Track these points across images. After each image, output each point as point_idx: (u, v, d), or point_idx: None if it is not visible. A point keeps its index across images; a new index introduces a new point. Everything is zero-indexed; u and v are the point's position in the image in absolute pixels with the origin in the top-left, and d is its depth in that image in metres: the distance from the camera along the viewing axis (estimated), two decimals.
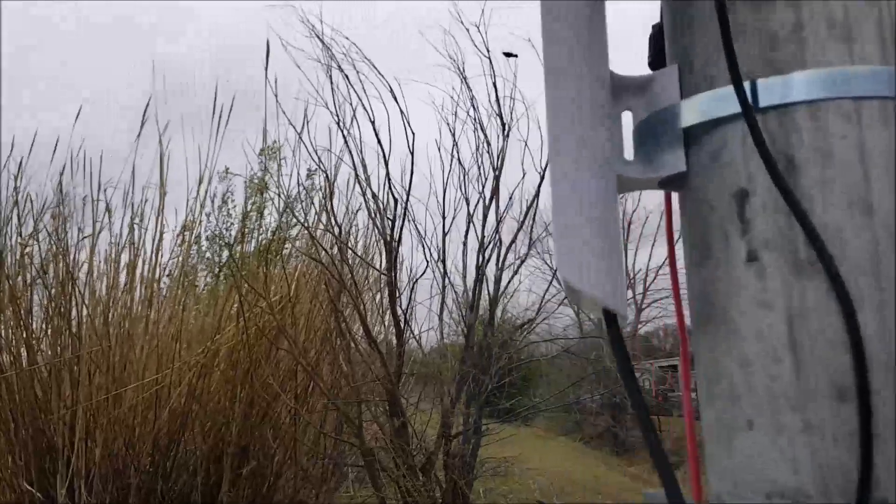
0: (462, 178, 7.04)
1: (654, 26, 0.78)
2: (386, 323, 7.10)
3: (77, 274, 5.35)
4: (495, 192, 7.07)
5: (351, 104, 6.50)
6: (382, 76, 6.56)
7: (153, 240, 5.93)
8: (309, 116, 6.57)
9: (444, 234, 7.00)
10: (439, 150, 7.00)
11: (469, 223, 7.12)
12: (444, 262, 7.03)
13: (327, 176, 6.78)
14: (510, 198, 7.40)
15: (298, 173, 6.95)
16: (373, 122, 6.52)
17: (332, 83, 6.54)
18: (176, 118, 5.88)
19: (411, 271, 6.87)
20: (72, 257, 5.36)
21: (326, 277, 6.37)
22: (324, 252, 6.55)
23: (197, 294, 6.88)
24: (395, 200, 6.54)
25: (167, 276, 6.17)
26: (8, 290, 5.11)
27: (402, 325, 6.65)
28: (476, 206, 7.11)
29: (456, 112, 6.94)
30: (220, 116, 5.83)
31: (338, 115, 6.54)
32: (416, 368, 7.56)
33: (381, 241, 6.73)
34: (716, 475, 0.62)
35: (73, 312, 5.24)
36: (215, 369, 5.71)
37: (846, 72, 0.58)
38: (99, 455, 5.09)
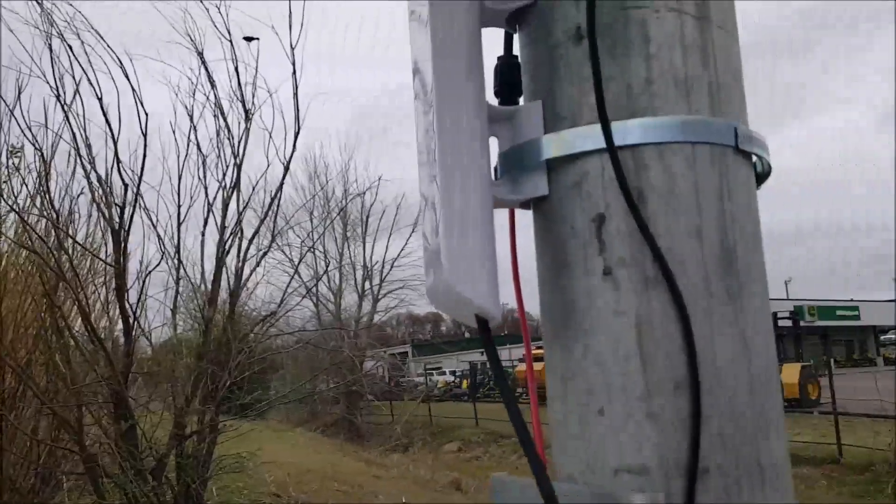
0: (200, 164, 6.75)
1: (499, 58, 0.88)
2: (112, 318, 6.61)
3: None
4: (237, 181, 6.88)
5: (74, 77, 5.93)
6: (111, 49, 6.07)
7: None
8: (22, 87, 5.90)
9: (180, 224, 6.66)
10: (174, 133, 6.63)
11: (208, 212, 6.85)
12: (179, 252, 6.70)
13: (42, 155, 6.12)
14: (253, 188, 7.25)
15: (7, 149, 6.20)
16: (100, 99, 6.00)
17: (51, 52, 5.90)
18: None
19: (143, 262, 6.45)
20: None
21: (41, 268, 5.81)
22: (38, 239, 5.94)
23: None
24: (125, 186, 6.09)
25: None
26: None
27: (131, 321, 6.25)
28: (216, 194, 6.85)
29: (194, 94, 6.63)
30: None
31: (58, 89, 5.92)
32: (148, 366, 7.15)
33: (108, 230, 6.24)
34: (567, 458, 0.74)
35: None
36: None
37: (686, 120, 0.73)
38: None
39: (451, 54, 0.71)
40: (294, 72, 6.55)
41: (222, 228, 6.93)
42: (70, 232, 6.46)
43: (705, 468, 0.67)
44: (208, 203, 6.84)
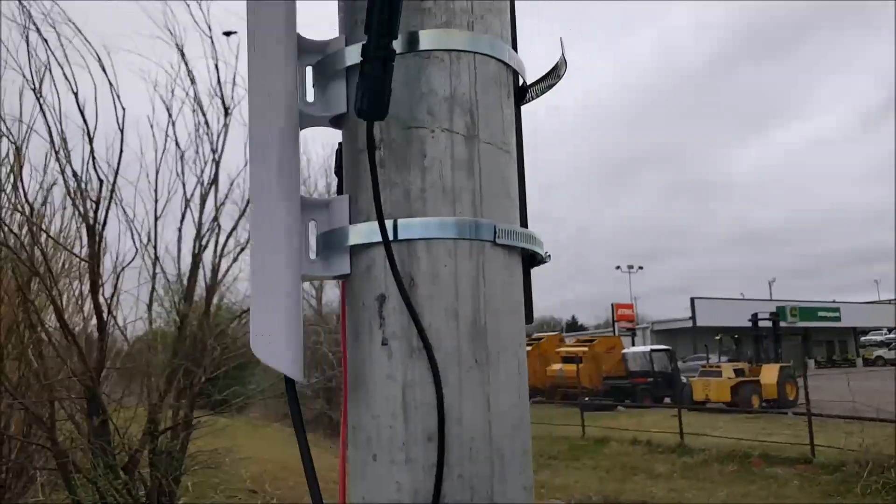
0: (179, 159, 6.93)
1: (339, 144, 1.07)
2: (86, 313, 6.78)
3: None
4: (215, 176, 7.06)
5: (49, 70, 6.08)
6: (89, 42, 6.22)
7: None
8: None
9: (157, 219, 6.84)
10: (152, 127, 6.80)
11: (186, 208, 7.03)
12: (155, 247, 6.88)
13: (17, 147, 6.27)
14: (231, 183, 7.42)
15: None
16: (76, 93, 6.16)
17: (28, 45, 6.05)
18: None
19: (118, 257, 6.61)
20: None
21: (14, 262, 5.95)
22: (11, 233, 6.09)
23: None
24: (101, 181, 6.26)
25: None
26: None
27: (104, 316, 6.41)
28: (194, 189, 7.02)
29: (173, 90, 6.79)
30: None
31: (34, 82, 6.08)
32: (122, 362, 7.33)
33: (83, 225, 6.40)
34: (354, 493, 0.93)
35: None
36: None
37: (450, 221, 0.92)
38: None
39: (263, 156, 0.90)
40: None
41: (199, 224, 7.11)
42: (43, 226, 6.64)
43: None
44: (186, 198, 7.02)
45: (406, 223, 0.92)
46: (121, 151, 6.26)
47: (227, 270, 7.51)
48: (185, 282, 7.29)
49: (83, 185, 6.42)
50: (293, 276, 0.91)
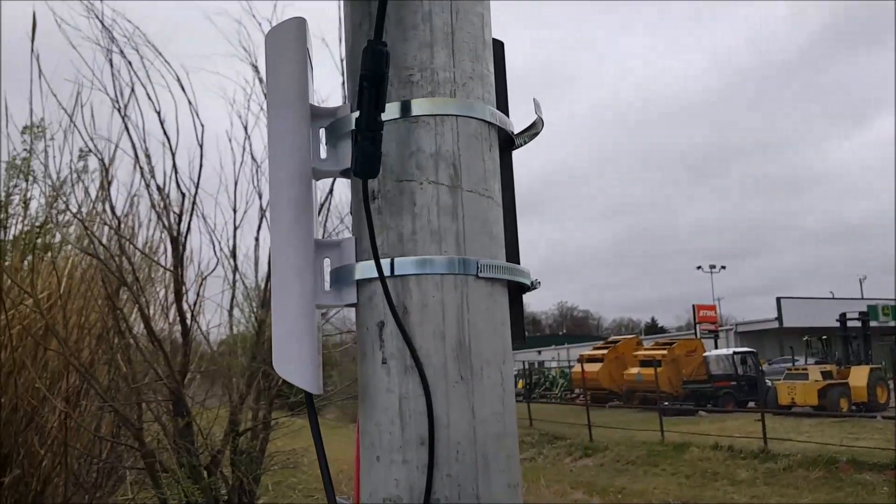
0: (255, 171, 7.30)
1: None
2: (171, 319, 7.19)
3: None
4: None
5: (133, 91, 6.50)
6: (168, 63, 6.63)
7: None
8: (84, 100, 6.46)
9: (236, 228, 7.21)
10: (230, 142, 7.19)
11: (262, 217, 7.39)
12: (234, 256, 7.26)
13: (105, 164, 6.71)
14: None
15: (71, 158, 6.79)
16: (158, 112, 6.57)
17: (112, 67, 6.49)
18: None
19: (200, 266, 6.98)
20: None
21: (104, 273, 6.33)
22: (101, 246, 6.49)
23: None
24: (183, 194, 6.65)
25: None
26: None
27: (188, 322, 6.80)
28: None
29: (249, 105, 7.15)
30: None
31: (118, 102, 6.52)
32: (204, 366, 7.72)
33: (167, 235, 6.81)
34: (363, 489, 1.12)
35: None
36: None
37: (437, 259, 1.10)
38: None
39: (282, 206, 1.10)
40: (343, 81, 7.00)
41: None
42: (130, 238, 7.09)
43: (437, 499, 1.05)
44: (262, 209, 7.37)
45: (401, 261, 1.10)
46: (201, 165, 6.62)
47: None
48: (262, 288, 7.62)
49: (167, 199, 6.81)
50: (308, 306, 1.10)
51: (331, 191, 6.93)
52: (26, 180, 6.62)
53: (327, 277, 1.16)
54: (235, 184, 7.11)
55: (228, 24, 9.36)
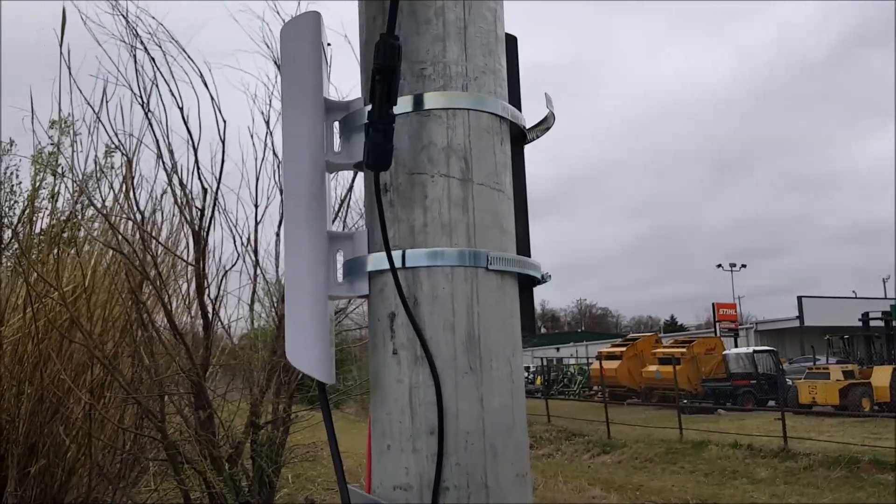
0: (276, 167, 7.34)
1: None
2: (193, 313, 7.25)
3: None
4: None
5: (157, 87, 6.56)
6: (192, 60, 6.67)
7: None
8: (109, 96, 6.52)
9: (257, 224, 7.26)
10: (252, 137, 7.23)
11: (283, 213, 7.44)
12: (256, 251, 7.31)
13: (129, 160, 6.78)
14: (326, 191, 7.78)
15: (96, 154, 6.86)
16: (181, 108, 6.63)
17: (136, 63, 6.55)
18: None
19: (221, 261, 7.03)
20: None
21: (127, 267, 6.39)
22: (124, 240, 6.56)
23: None
24: (205, 190, 6.71)
25: None
26: None
27: (210, 316, 6.85)
28: None
29: (271, 101, 7.19)
30: None
31: (142, 98, 6.57)
32: (225, 359, 7.79)
33: (189, 230, 6.86)
34: (374, 477, 1.13)
35: None
36: None
37: (448, 251, 1.10)
38: None
39: (295, 198, 1.12)
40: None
41: None
42: (153, 233, 7.16)
43: (446, 487, 1.06)
44: (283, 203, 7.41)
45: (412, 253, 1.11)
46: (223, 161, 6.65)
47: None
48: (282, 283, 7.65)
49: (189, 194, 6.87)
50: (321, 297, 1.12)
51: (351, 187, 6.95)
52: (54, 175, 6.72)
53: (340, 269, 1.17)
54: (257, 179, 7.14)
55: (251, 21, 9.43)
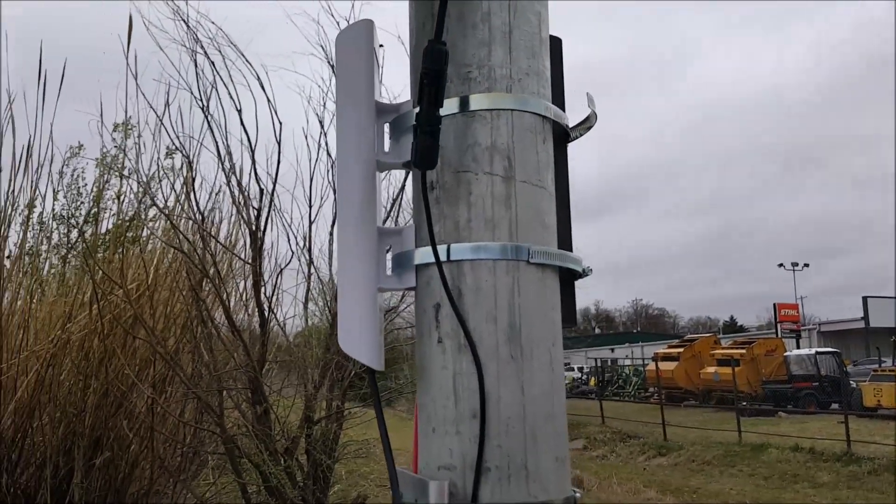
0: (329, 167, 7.49)
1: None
2: (250, 311, 7.44)
3: None
4: None
5: (216, 90, 6.76)
6: (249, 63, 6.86)
7: None
8: (170, 100, 6.73)
9: (311, 223, 7.41)
10: (306, 138, 7.39)
11: (336, 212, 7.59)
12: (309, 250, 7.47)
13: (189, 161, 7.00)
14: (378, 189, 7.90)
15: (159, 156, 7.08)
16: (239, 111, 6.82)
17: (196, 67, 6.76)
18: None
19: (276, 260, 7.21)
20: None
21: (187, 265, 6.59)
22: (185, 240, 6.76)
23: (42, 279, 6.85)
24: (261, 190, 6.88)
25: (7, 258, 6.18)
26: None
27: (266, 314, 7.03)
28: None
29: (325, 102, 7.34)
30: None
31: (202, 101, 6.78)
32: (281, 356, 7.97)
33: (247, 230, 7.05)
34: (421, 458, 1.20)
35: None
36: (66, 359, 5.79)
37: (491, 245, 1.17)
38: None
39: (348, 196, 1.19)
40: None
41: None
42: (213, 232, 7.37)
43: (487, 468, 1.12)
44: (336, 202, 7.57)
45: (457, 247, 1.18)
46: (278, 162, 6.82)
47: None
48: (336, 281, 7.78)
49: (246, 194, 7.05)
50: (371, 289, 1.19)
51: (402, 187, 7.05)
52: (119, 177, 6.98)
53: (389, 263, 1.24)
54: (311, 179, 7.31)
55: (307, 24, 9.60)
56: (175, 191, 7.10)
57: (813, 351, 27.11)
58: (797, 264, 59.04)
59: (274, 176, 6.88)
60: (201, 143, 6.96)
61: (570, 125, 1.34)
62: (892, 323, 33.98)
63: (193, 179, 7.05)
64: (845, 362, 25.80)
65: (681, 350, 30.79)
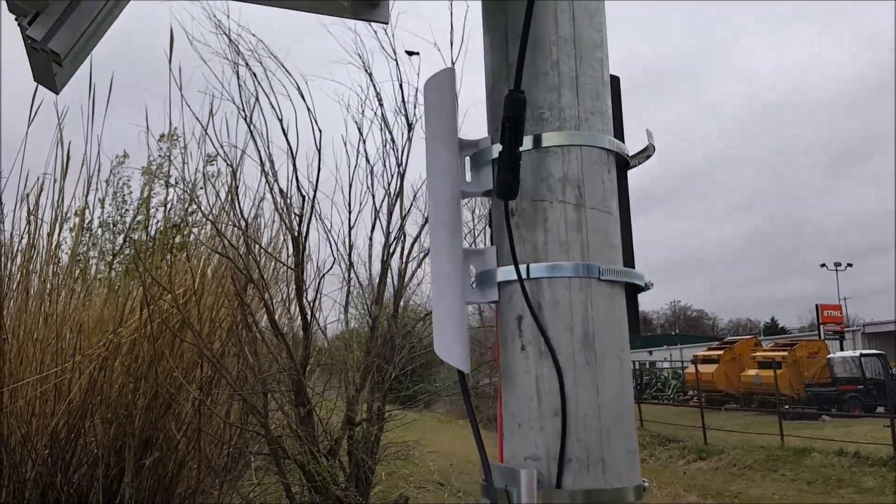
0: (368, 173, 7.72)
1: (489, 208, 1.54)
2: (292, 315, 7.69)
3: None
4: (400, 188, 7.78)
5: (258, 100, 7.03)
6: (289, 73, 7.11)
7: (48, 233, 6.27)
8: (214, 111, 7.01)
9: (350, 229, 7.64)
10: (345, 145, 7.63)
11: (375, 218, 7.80)
12: (349, 255, 7.70)
13: (233, 170, 7.27)
14: (415, 194, 8.13)
15: (204, 165, 7.36)
16: (280, 120, 7.07)
17: (238, 79, 7.03)
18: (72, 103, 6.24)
19: (318, 266, 7.44)
20: None
21: (232, 271, 6.83)
22: (230, 246, 7.02)
23: (89, 284, 7.10)
24: (303, 197, 7.13)
25: (56, 264, 6.45)
26: None
27: (308, 318, 7.26)
28: (382, 201, 7.78)
29: (363, 110, 7.57)
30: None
31: (244, 111, 7.05)
32: (323, 358, 8.20)
33: (289, 236, 7.30)
34: (507, 451, 1.39)
35: None
36: (117, 362, 6.02)
37: (565, 265, 1.36)
38: None
39: (438, 222, 1.39)
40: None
41: (387, 232, 7.86)
42: (256, 238, 7.63)
43: (569, 458, 1.32)
44: (375, 209, 7.77)
45: (535, 267, 1.38)
46: (318, 169, 7.06)
47: (413, 274, 8.16)
48: (375, 286, 8.00)
49: (288, 201, 7.30)
50: (460, 303, 1.39)
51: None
52: (166, 185, 7.27)
53: (472, 279, 1.44)
54: (350, 185, 7.55)
55: (343, 32, 9.85)
56: (220, 198, 7.37)
57: (857, 353, 26.85)
58: (840, 264, 58.38)
59: (315, 183, 7.13)
60: (244, 152, 7.24)
61: (630, 153, 1.52)
62: None
63: (237, 187, 7.33)
64: (891, 364, 25.49)
65: (721, 352, 30.65)
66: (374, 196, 7.71)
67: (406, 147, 7.69)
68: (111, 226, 9.27)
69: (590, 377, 1.34)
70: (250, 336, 6.94)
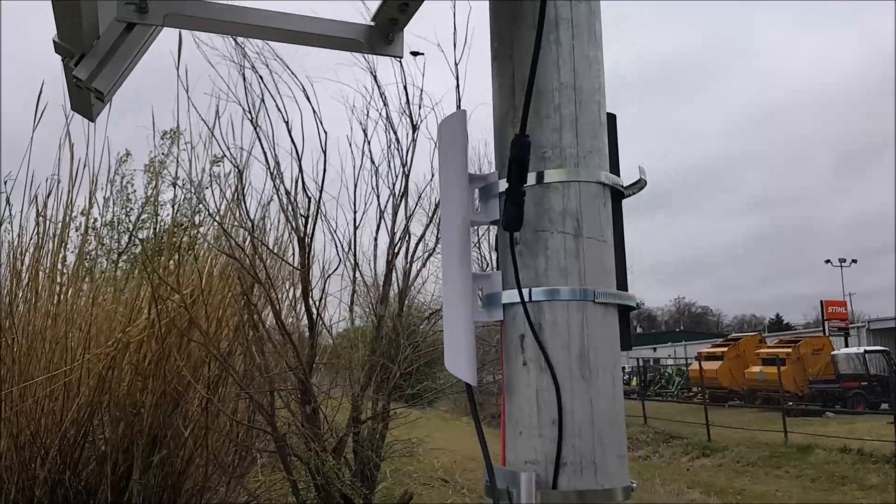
0: (373, 174, 7.86)
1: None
2: (298, 314, 7.83)
3: None
4: (405, 188, 7.93)
5: (264, 102, 7.17)
6: (295, 75, 7.25)
7: (56, 233, 6.42)
8: (220, 112, 7.14)
9: (355, 229, 7.78)
10: (350, 146, 7.77)
11: (380, 218, 7.94)
12: (354, 255, 7.84)
13: (240, 171, 7.40)
14: (420, 194, 8.28)
15: (210, 167, 7.49)
16: (286, 122, 7.21)
17: (244, 81, 7.17)
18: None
19: (323, 266, 7.58)
20: None
21: (239, 271, 6.97)
22: (237, 246, 7.15)
23: (96, 282, 7.22)
24: (309, 198, 7.27)
25: (62, 264, 6.59)
26: None
27: (314, 317, 7.41)
28: (387, 201, 7.92)
29: (368, 111, 7.70)
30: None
31: (250, 113, 7.19)
32: (328, 357, 8.35)
33: (295, 237, 7.44)
34: (509, 454, 1.57)
35: None
36: (126, 360, 6.16)
37: (563, 289, 1.54)
38: (4, 447, 5.57)
39: (449, 249, 1.57)
40: (457, 85, 7.45)
41: (392, 232, 8.00)
42: (263, 239, 7.76)
43: (564, 462, 1.49)
44: (380, 209, 7.91)
45: (537, 290, 1.56)
46: (324, 170, 7.17)
47: (417, 274, 8.30)
48: (380, 285, 8.14)
49: (294, 202, 7.44)
50: (469, 321, 1.57)
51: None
52: (174, 186, 7.42)
53: (479, 300, 1.61)
54: (355, 186, 7.68)
55: None
56: (226, 199, 7.51)
57: (862, 349, 27.00)
58: (844, 260, 58.50)
59: (320, 183, 7.27)
60: (251, 154, 7.38)
61: (624, 185, 1.69)
62: None
63: (244, 188, 7.47)
64: (895, 361, 25.64)
65: (725, 349, 30.84)
66: (378, 196, 7.85)
67: (411, 148, 7.82)
68: (116, 224, 9.41)
69: (585, 390, 1.51)
70: (257, 335, 7.06)
